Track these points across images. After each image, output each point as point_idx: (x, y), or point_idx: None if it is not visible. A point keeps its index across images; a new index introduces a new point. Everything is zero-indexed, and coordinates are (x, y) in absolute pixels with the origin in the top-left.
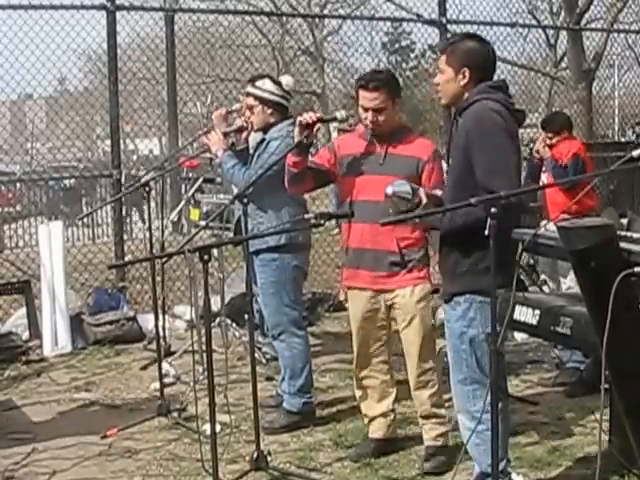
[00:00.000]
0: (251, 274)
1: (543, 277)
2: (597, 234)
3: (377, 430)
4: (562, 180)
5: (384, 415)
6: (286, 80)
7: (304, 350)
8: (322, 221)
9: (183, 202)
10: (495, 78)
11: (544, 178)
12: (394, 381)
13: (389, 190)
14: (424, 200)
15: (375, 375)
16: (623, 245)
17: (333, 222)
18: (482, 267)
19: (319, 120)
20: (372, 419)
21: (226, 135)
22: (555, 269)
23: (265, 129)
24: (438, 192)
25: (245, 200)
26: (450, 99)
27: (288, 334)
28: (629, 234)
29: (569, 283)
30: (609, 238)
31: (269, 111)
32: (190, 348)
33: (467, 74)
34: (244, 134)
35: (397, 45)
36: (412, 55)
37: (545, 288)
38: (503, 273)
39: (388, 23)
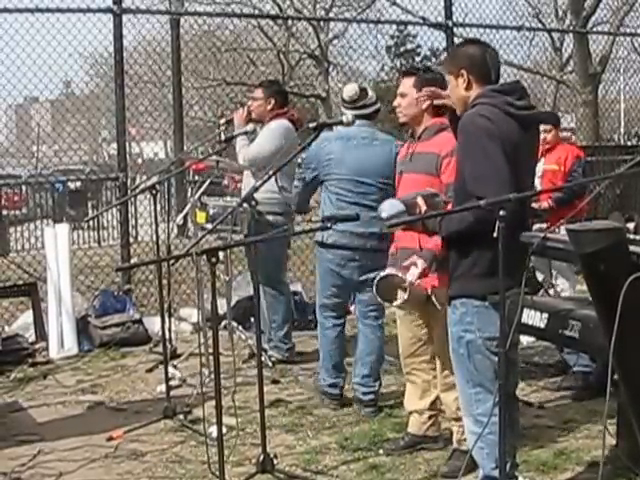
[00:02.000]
0: (257, 277)
1: (542, 278)
2: (607, 237)
3: (412, 425)
4: (567, 184)
5: (420, 412)
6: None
7: (324, 334)
8: (328, 224)
9: (189, 205)
10: (501, 82)
11: (537, 184)
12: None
13: (383, 215)
14: (423, 208)
15: (417, 373)
16: (632, 248)
17: None
18: (475, 272)
19: (325, 124)
20: (410, 413)
21: (234, 138)
22: (549, 267)
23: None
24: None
25: (253, 202)
26: (460, 106)
27: (319, 318)
28: (638, 237)
29: (562, 285)
30: (618, 241)
31: None
32: (196, 351)
33: (465, 76)
34: None
35: (402, 49)
36: (417, 59)
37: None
38: (496, 278)
39: (393, 26)
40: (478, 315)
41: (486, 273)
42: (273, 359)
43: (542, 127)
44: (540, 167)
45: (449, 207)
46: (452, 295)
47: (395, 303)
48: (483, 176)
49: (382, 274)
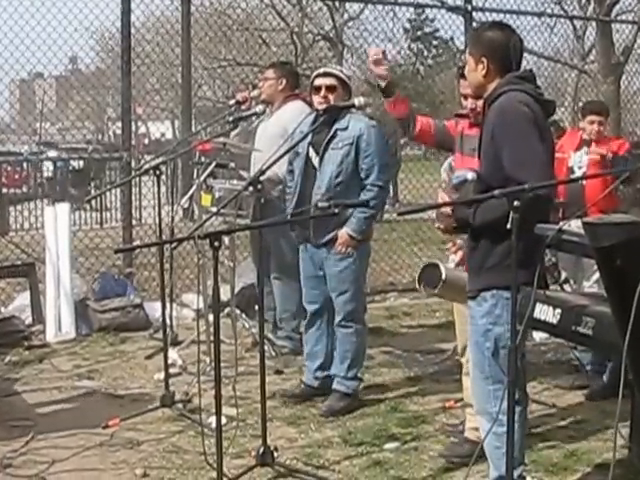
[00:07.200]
0: (263, 264)
1: (565, 275)
2: (624, 231)
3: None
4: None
5: None
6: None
7: (365, 337)
8: (336, 210)
9: (194, 187)
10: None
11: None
12: None
13: (469, 176)
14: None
15: None
16: None
17: None
18: (509, 262)
19: (336, 107)
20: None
21: (240, 120)
22: (579, 267)
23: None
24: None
25: (259, 187)
26: (474, 89)
27: (359, 321)
28: None
29: (591, 284)
30: (636, 236)
31: (345, 97)
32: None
33: (486, 64)
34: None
35: (419, 32)
36: (434, 43)
37: (567, 287)
38: (530, 269)
39: (411, 9)
40: (508, 308)
41: (522, 263)
42: (286, 350)
43: (593, 117)
44: (584, 157)
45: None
46: (481, 287)
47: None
48: (527, 161)
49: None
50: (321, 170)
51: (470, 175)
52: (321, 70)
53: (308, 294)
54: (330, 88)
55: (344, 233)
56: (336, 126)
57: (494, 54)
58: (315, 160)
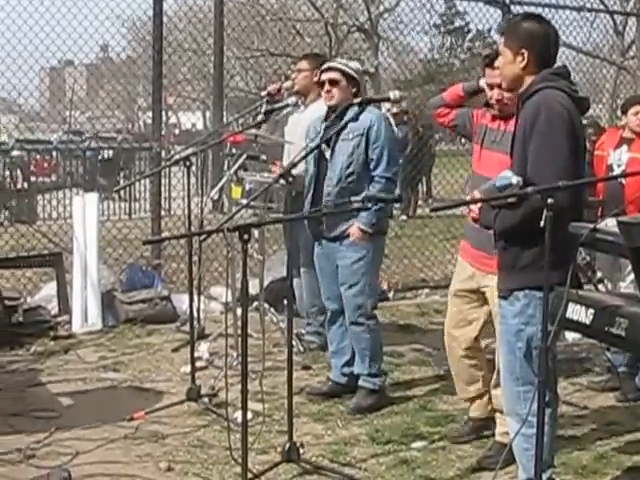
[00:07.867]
0: (293, 258)
1: (600, 275)
2: None
3: (475, 410)
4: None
5: (479, 397)
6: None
7: (379, 331)
8: (369, 205)
9: (225, 179)
10: (558, 64)
11: (618, 170)
12: (485, 364)
13: (514, 180)
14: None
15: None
16: None
17: None
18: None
19: (371, 100)
20: (469, 400)
21: (272, 112)
22: (616, 267)
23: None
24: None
25: (290, 179)
26: (510, 83)
27: (370, 317)
28: None
29: (627, 284)
30: None
31: (353, 90)
32: (225, 331)
33: (525, 56)
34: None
35: (451, 26)
36: (469, 36)
37: (601, 287)
38: (564, 269)
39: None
40: (541, 308)
41: (555, 263)
42: (314, 345)
43: (638, 107)
44: (623, 155)
45: None
46: (514, 287)
47: None
48: (549, 162)
49: None
50: (332, 161)
51: (515, 179)
52: (325, 65)
53: (326, 291)
54: (332, 82)
55: (355, 227)
56: (347, 118)
57: (534, 46)
58: (327, 152)
